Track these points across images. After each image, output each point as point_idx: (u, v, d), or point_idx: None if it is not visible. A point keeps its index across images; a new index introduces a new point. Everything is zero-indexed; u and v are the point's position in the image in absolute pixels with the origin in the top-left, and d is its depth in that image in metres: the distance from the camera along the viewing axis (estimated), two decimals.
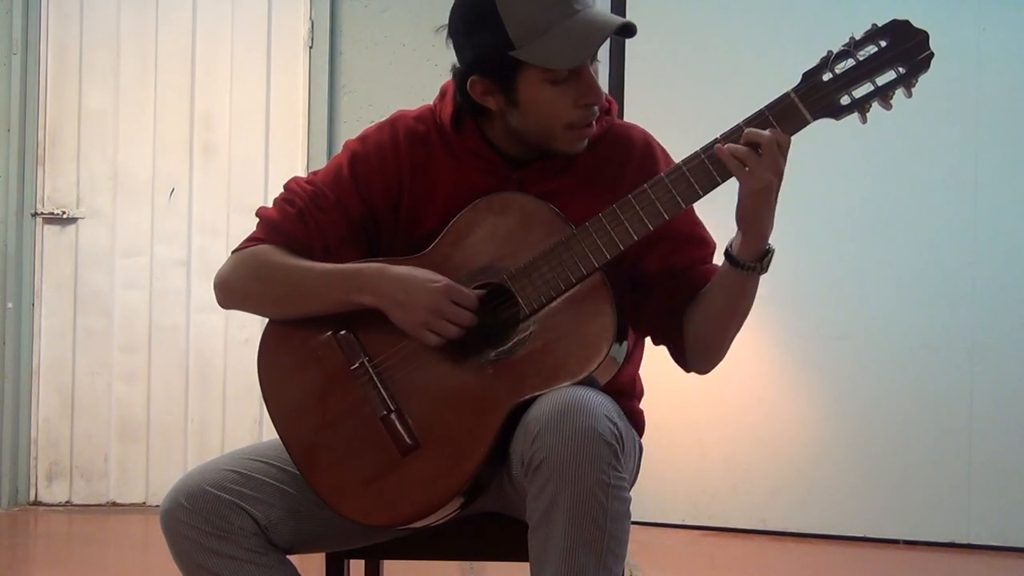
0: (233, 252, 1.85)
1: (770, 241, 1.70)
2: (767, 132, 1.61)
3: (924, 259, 4.16)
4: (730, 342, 1.80)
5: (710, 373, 1.84)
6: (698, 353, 1.82)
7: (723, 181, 1.65)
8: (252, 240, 1.84)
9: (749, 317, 1.77)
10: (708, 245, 1.84)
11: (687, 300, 1.80)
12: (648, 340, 1.90)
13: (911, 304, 4.17)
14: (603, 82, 1.82)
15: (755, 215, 1.66)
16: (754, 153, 1.61)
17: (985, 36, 4.12)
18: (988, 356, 4.09)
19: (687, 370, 1.85)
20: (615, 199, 1.68)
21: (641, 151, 1.83)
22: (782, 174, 1.64)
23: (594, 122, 1.76)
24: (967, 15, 4.12)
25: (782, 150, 1.63)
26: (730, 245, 1.71)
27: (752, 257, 1.69)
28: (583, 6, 1.68)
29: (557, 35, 1.65)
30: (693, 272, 1.80)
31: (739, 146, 1.62)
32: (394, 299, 1.72)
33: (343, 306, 1.75)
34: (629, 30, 1.70)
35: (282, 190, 1.86)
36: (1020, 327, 4.08)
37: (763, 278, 1.72)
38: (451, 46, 1.78)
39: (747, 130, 1.62)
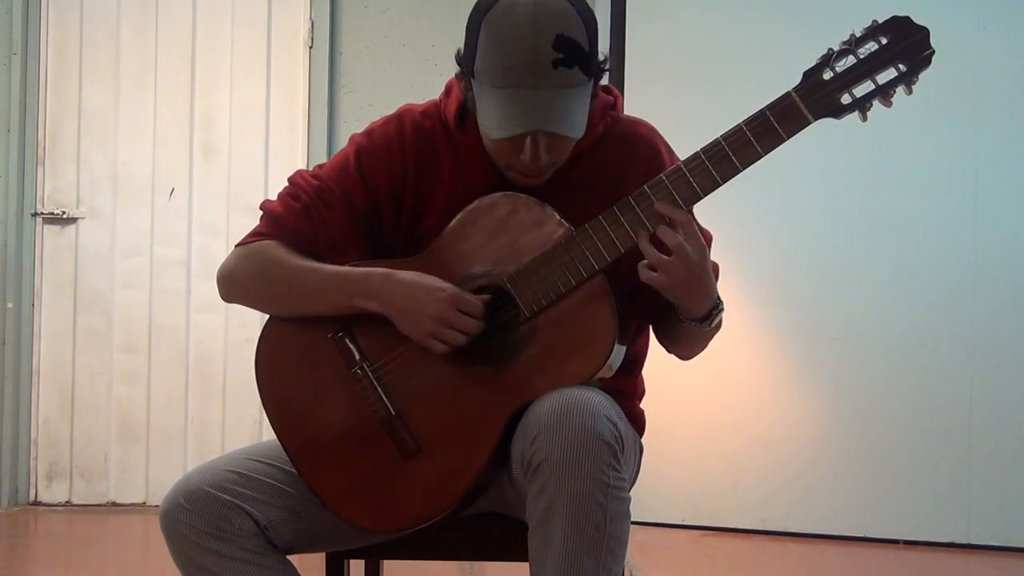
0: (237, 246, 1.84)
1: (720, 294, 1.73)
2: (675, 232, 1.63)
3: (924, 259, 4.16)
4: (697, 353, 1.85)
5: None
6: (673, 351, 1.88)
7: (724, 182, 1.65)
8: (257, 235, 1.82)
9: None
10: (704, 236, 1.83)
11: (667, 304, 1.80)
12: (653, 339, 1.91)
13: (911, 304, 4.16)
14: (540, 166, 1.79)
15: (674, 300, 1.70)
16: (663, 256, 1.63)
17: (985, 35, 4.12)
18: (988, 356, 4.09)
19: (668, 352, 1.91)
20: (617, 199, 1.67)
21: (646, 151, 1.82)
22: (694, 266, 1.64)
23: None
24: (967, 14, 4.12)
25: (691, 240, 1.63)
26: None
27: (694, 319, 1.72)
28: (546, 83, 1.60)
29: (499, 98, 1.63)
30: None
31: (650, 249, 1.63)
32: (400, 307, 1.71)
33: (347, 310, 1.74)
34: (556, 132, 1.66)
35: (287, 184, 1.85)
36: (1020, 327, 4.08)
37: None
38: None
39: (659, 228, 1.64)
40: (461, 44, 1.72)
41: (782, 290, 4.21)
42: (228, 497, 1.69)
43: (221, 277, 1.84)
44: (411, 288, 1.71)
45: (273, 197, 1.87)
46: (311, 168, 1.90)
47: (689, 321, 1.72)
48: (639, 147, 1.82)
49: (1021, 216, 4.11)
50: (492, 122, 1.64)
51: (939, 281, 4.14)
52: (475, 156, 1.80)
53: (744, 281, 4.17)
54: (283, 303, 1.80)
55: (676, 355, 1.89)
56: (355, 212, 1.81)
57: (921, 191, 4.17)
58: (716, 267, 1.76)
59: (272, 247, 1.80)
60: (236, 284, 1.83)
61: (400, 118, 1.84)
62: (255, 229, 1.84)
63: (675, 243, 1.63)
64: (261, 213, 1.85)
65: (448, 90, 1.84)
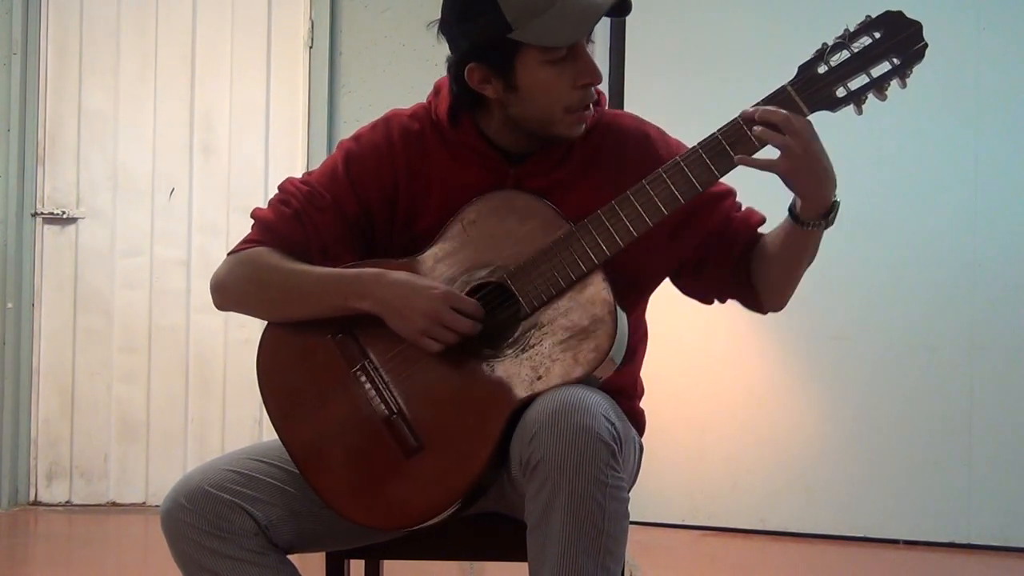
0: (229, 254, 1.84)
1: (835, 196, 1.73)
2: (780, 113, 1.62)
3: (924, 259, 4.16)
4: (800, 279, 1.83)
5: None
6: (772, 297, 1.85)
7: (721, 176, 1.66)
8: (248, 242, 1.83)
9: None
10: (730, 193, 1.84)
11: (740, 254, 1.81)
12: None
13: (911, 304, 4.16)
14: (602, 76, 1.81)
15: (801, 192, 1.69)
16: (778, 134, 1.62)
17: (985, 35, 4.12)
18: (988, 356, 4.09)
19: (762, 312, 1.88)
20: (614, 189, 1.69)
21: (635, 138, 1.83)
22: (812, 151, 1.65)
23: (592, 106, 1.77)
24: (966, 14, 4.12)
25: (799, 131, 1.63)
26: (793, 203, 1.71)
27: (814, 216, 1.71)
28: None
29: (554, 14, 1.66)
30: (731, 227, 1.81)
31: (765, 129, 1.63)
32: (392, 306, 1.71)
33: (340, 311, 1.74)
34: (625, 7, 1.70)
35: (277, 191, 1.86)
36: (1020, 327, 4.08)
37: None
38: (443, 40, 1.79)
39: (763, 109, 1.63)
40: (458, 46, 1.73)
41: None
42: (228, 497, 1.69)
43: (214, 286, 1.85)
44: (403, 287, 1.71)
45: (272, 197, 1.87)
46: (302, 174, 1.90)
47: (812, 221, 1.71)
48: (627, 136, 1.83)
49: (1021, 216, 4.11)
50: (561, 36, 1.66)
51: (939, 281, 4.14)
52: (470, 153, 1.80)
53: None
54: (277, 307, 1.80)
55: (771, 304, 1.86)
56: (345, 217, 1.81)
57: (921, 191, 4.17)
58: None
59: (264, 253, 1.80)
60: (229, 291, 1.84)
61: (387, 122, 1.86)
62: (246, 236, 1.84)
63: (780, 119, 1.62)
64: (252, 221, 1.85)
65: (437, 90, 1.85)
